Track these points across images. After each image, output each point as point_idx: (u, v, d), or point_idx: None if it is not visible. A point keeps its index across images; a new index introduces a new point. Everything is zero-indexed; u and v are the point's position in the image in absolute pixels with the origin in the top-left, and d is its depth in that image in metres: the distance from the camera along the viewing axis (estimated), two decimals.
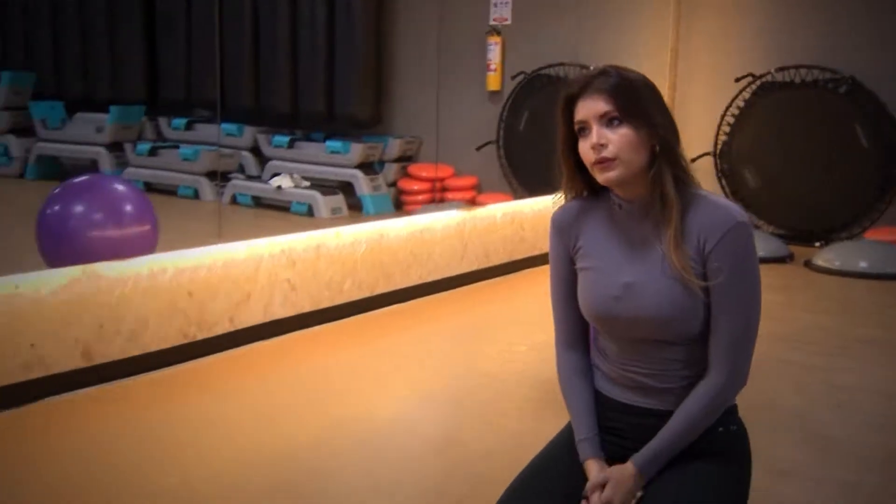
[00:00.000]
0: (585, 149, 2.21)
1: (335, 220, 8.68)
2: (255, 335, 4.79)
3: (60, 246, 5.07)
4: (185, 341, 4.45)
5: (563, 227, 2.38)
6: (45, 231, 5.13)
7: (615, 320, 2.27)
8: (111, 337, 4.14)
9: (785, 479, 3.23)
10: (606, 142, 2.17)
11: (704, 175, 8.10)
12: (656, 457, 2.20)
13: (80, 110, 10.53)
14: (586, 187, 2.32)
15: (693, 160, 7.91)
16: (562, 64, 8.61)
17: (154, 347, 4.32)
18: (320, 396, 4.08)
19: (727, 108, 8.00)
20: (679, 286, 2.17)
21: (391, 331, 5.22)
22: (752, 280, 2.19)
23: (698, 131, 8.15)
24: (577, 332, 2.42)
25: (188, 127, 10.21)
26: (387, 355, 4.78)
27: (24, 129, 10.73)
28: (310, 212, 8.78)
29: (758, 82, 7.87)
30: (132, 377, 4.19)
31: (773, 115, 7.85)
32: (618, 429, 2.33)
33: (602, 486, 2.19)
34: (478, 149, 9.13)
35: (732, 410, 2.34)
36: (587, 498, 2.21)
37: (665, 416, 2.27)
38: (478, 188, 9.21)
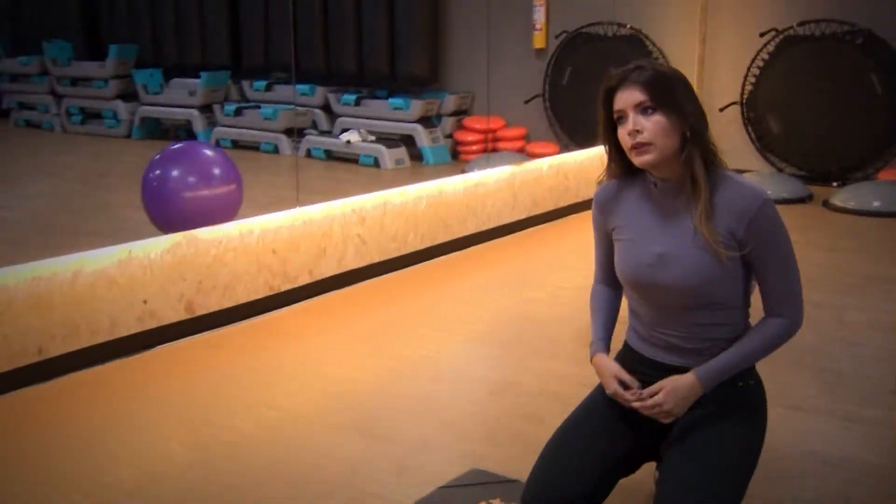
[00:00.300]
0: (623, 135, 2.24)
1: (398, 170, 8.67)
2: (331, 285, 4.80)
3: (160, 205, 5.20)
4: (271, 293, 4.49)
5: (603, 203, 2.43)
6: (147, 192, 5.25)
7: (648, 286, 2.32)
8: (208, 291, 4.20)
9: (799, 413, 3.20)
10: (642, 128, 2.20)
11: (732, 122, 8.01)
12: (718, 373, 2.26)
13: (176, 76, 10.53)
14: (625, 169, 2.35)
15: (721, 109, 7.90)
16: (600, 23, 8.45)
17: (244, 299, 4.36)
18: (389, 340, 4.09)
19: (753, 61, 7.82)
20: (707, 256, 2.21)
21: (451, 277, 5.21)
22: (786, 243, 2.24)
23: (726, 82, 8.01)
24: (612, 279, 2.50)
25: (268, 88, 10.17)
26: (446, 300, 4.76)
27: (129, 95, 10.74)
28: (376, 163, 8.74)
29: (781, 36, 7.66)
30: (227, 326, 4.24)
31: (794, 66, 7.66)
32: (650, 382, 2.39)
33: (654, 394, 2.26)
34: (526, 102, 9.04)
35: (751, 367, 2.38)
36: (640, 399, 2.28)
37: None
38: (526, 138, 9.14)
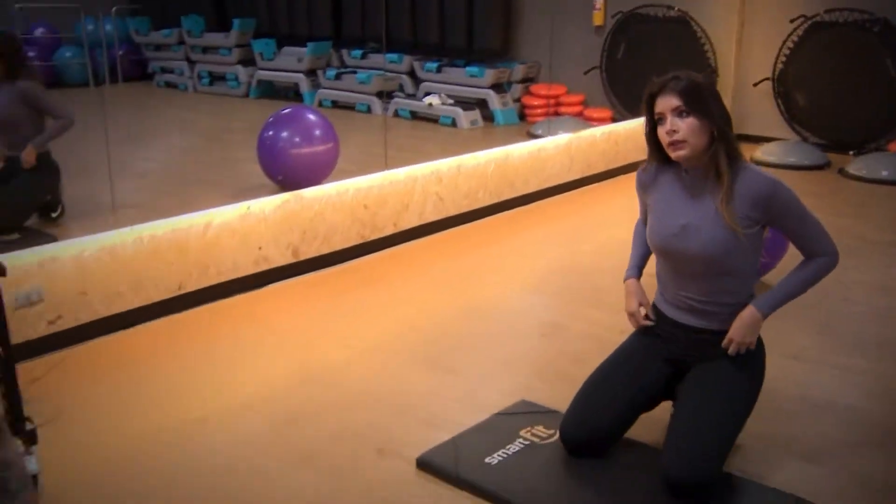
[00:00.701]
0: (662, 133, 2.35)
1: (473, 129, 8.69)
2: (412, 235, 4.90)
3: (272, 160, 5.42)
4: (362, 241, 4.61)
5: (642, 183, 2.56)
6: (262, 149, 5.47)
7: (673, 253, 2.43)
8: (311, 240, 4.35)
9: (795, 362, 3.25)
10: (677, 129, 2.31)
11: (765, 96, 7.85)
12: (773, 301, 2.39)
13: (287, 45, 10.57)
14: (661, 158, 2.45)
15: (755, 84, 7.76)
16: (652, 5, 8.29)
17: (340, 246, 4.48)
18: (459, 285, 4.18)
19: (784, 43, 7.62)
20: (724, 231, 2.31)
21: (514, 231, 5.24)
22: (801, 209, 2.36)
23: (761, 60, 7.82)
24: None
25: (363, 56, 10.16)
26: (509, 251, 4.82)
27: (248, 61, 10.82)
28: (453, 123, 8.76)
29: (809, 22, 7.45)
30: (326, 269, 4.37)
31: (820, 48, 7.45)
32: (674, 340, 2.51)
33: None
34: (585, 73, 8.93)
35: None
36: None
37: (710, 333, 2.43)
38: (584, 104, 9.07)
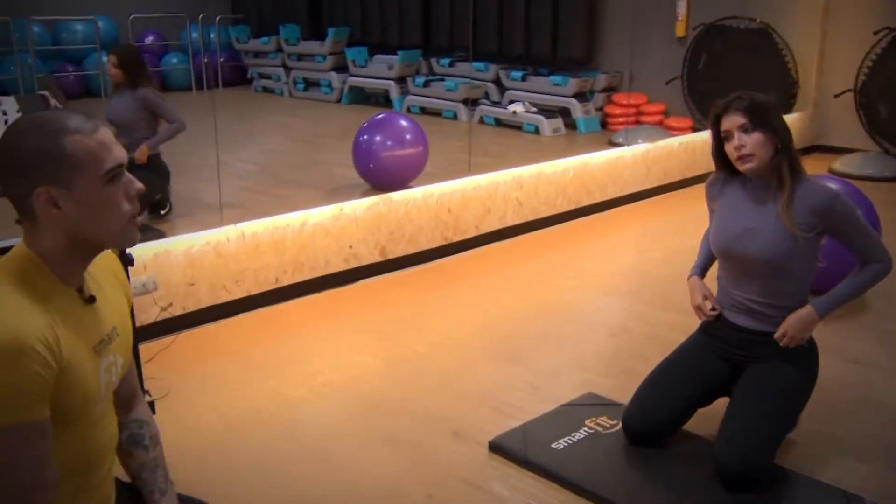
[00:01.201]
0: (729, 149, 2.52)
1: (555, 137, 8.82)
2: (493, 238, 5.09)
3: (367, 162, 5.70)
4: (445, 242, 4.83)
5: (710, 191, 2.72)
6: (357, 152, 5.76)
7: (734, 254, 2.58)
8: (397, 240, 4.58)
9: (854, 365, 3.33)
10: (745, 143, 2.47)
11: (846, 107, 7.77)
12: (829, 303, 2.53)
13: (378, 53, 10.87)
14: (728, 170, 2.62)
15: (837, 95, 7.70)
16: (734, 17, 8.29)
17: (424, 247, 4.70)
18: (534, 285, 4.36)
19: (867, 54, 7.53)
20: (783, 235, 2.46)
21: (589, 236, 5.37)
22: (857, 219, 2.49)
23: (843, 72, 7.74)
24: None
25: (451, 65, 10.36)
26: (583, 255, 4.95)
27: (341, 68, 11.18)
28: (536, 131, 8.89)
29: (893, 34, 7.35)
30: (411, 267, 4.60)
31: None
32: (727, 340, 2.65)
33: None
34: (666, 83, 8.98)
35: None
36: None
37: (765, 335, 2.57)
38: (665, 113, 9.12)
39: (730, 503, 2.37)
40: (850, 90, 7.71)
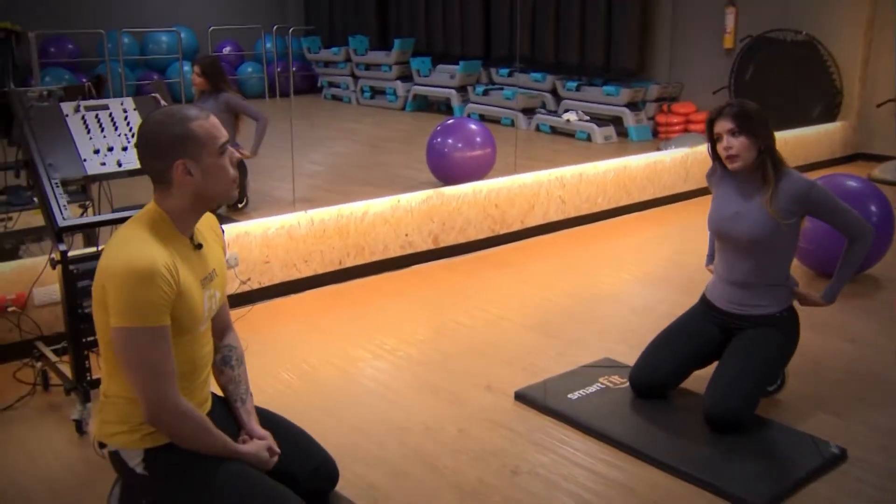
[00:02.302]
0: (720, 148, 2.96)
1: (607, 144, 9.20)
2: (536, 232, 5.50)
3: (441, 162, 6.22)
4: (492, 234, 5.27)
5: (711, 179, 3.15)
6: (431, 153, 6.29)
7: (725, 233, 3.02)
8: (449, 230, 5.05)
9: (850, 344, 3.69)
10: (732, 146, 2.92)
11: (889, 116, 7.99)
12: (834, 290, 2.98)
13: (441, 63, 11.40)
14: (722, 166, 3.04)
15: (879, 105, 7.93)
16: (780, 29, 8.57)
17: (473, 238, 5.15)
18: (573, 273, 4.76)
19: None
20: (767, 219, 2.89)
21: (627, 232, 5.75)
22: (834, 202, 2.91)
23: (886, 82, 7.99)
24: None
25: (509, 75, 10.80)
26: (620, 248, 5.34)
27: (405, 77, 11.73)
28: (588, 138, 9.27)
29: None
30: (460, 255, 5.06)
31: None
32: (722, 310, 3.07)
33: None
34: (714, 92, 9.23)
35: (790, 303, 3.01)
36: None
37: (752, 306, 2.99)
38: None
39: (715, 443, 2.79)
40: (891, 100, 7.93)
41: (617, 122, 9.53)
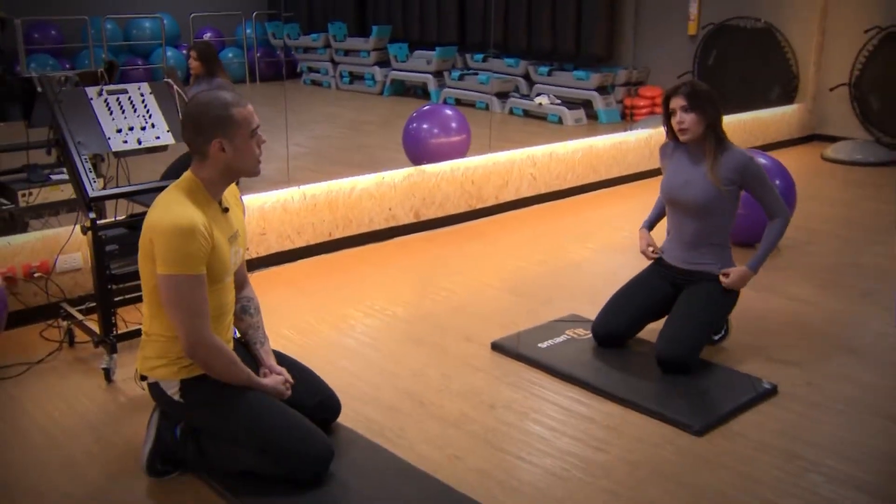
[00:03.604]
0: (674, 122, 3.36)
1: (577, 126, 9.59)
2: (510, 207, 5.87)
3: (416, 147, 6.50)
4: (469, 209, 5.64)
5: (662, 153, 3.56)
6: (407, 138, 6.57)
7: (676, 199, 3.44)
8: (429, 205, 5.41)
9: (792, 301, 4.13)
10: (683, 120, 3.32)
11: (842, 100, 8.46)
12: (758, 260, 3.35)
13: (418, 49, 11.71)
14: (675, 137, 3.45)
15: (832, 89, 8.43)
16: (741, 17, 9.01)
17: (452, 212, 5.51)
18: (545, 244, 5.14)
19: (860, 51, 8.21)
20: (711, 187, 3.32)
21: (595, 207, 6.13)
22: (767, 180, 3.33)
23: (838, 67, 8.44)
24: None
25: (484, 60, 11.14)
26: (589, 222, 5.71)
27: (383, 62, 12.00)
28: (560, 121, 9.66)
29: (883, 32, 8.03)
30: (440, 228, 5.43)
31: (894, 56, 8.03)
32: (674, 267, 3.50)
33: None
34: (679, 77, 9.65)
35: (730, 263, 3.44)
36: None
37: (699, 263, 3.41)
38: None
39: (664, 381, 3.22)
40: (844, 84, 8.40)
41: (587, 105, 9.92)
